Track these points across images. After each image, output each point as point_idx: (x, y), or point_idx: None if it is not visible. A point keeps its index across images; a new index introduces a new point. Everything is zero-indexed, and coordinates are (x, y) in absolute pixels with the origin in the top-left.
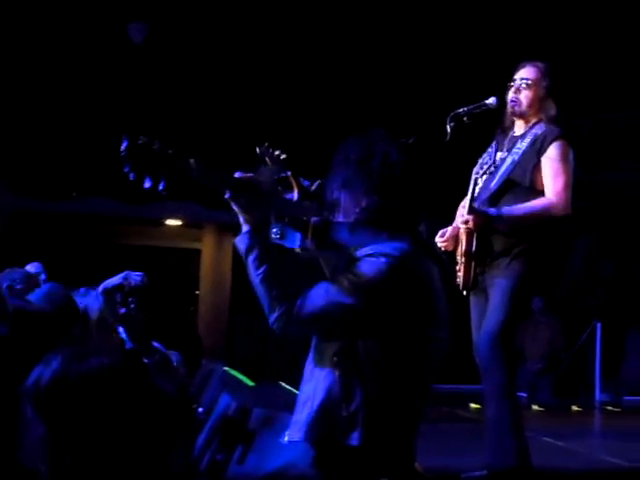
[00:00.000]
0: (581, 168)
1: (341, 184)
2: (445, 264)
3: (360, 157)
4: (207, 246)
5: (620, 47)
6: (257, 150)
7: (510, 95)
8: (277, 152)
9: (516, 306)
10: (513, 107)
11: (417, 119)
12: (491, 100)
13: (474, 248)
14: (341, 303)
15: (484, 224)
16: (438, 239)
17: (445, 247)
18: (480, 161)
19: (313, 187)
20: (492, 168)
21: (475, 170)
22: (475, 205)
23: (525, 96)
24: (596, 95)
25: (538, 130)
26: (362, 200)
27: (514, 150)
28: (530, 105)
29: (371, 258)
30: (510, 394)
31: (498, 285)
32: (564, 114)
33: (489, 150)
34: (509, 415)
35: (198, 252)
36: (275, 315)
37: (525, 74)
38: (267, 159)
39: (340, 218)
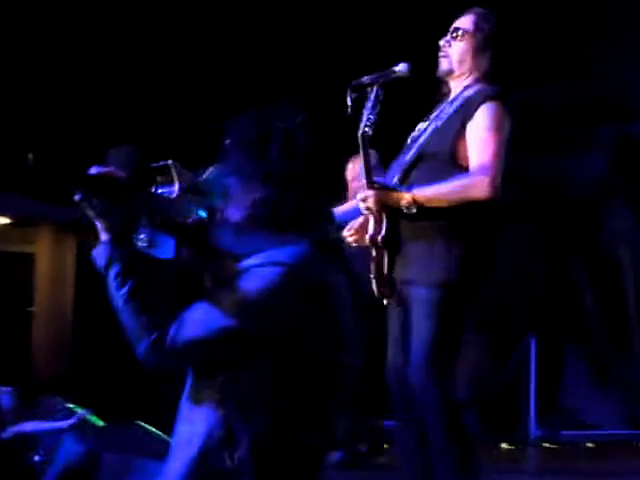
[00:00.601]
0: (514, 149)
1: (232, 170)
2: (356, 274)
3: (255, 137)
4: (42, 250)
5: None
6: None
7: (440, 51)
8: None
9: (448, 318)
10: (441, 65)
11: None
12: (401, 67)
13: (383, 232)
14: (223, 327)
15: (389, 202)
16: (345, 232)
17: (355, 240)
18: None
19: (201, 178)
20: (411, 139)
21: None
22: (376, 179)
23: (456, 50)
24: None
25: (470, 92)
26: (255, 191)
27: (439, 117)
28: (461, 60)
29: (261, 269)
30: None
31: (416, 293)
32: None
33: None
34: (455, 446)
35: (31, 257)
36: (144, 345)
37: (459, 23)
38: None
39: (231, 214)
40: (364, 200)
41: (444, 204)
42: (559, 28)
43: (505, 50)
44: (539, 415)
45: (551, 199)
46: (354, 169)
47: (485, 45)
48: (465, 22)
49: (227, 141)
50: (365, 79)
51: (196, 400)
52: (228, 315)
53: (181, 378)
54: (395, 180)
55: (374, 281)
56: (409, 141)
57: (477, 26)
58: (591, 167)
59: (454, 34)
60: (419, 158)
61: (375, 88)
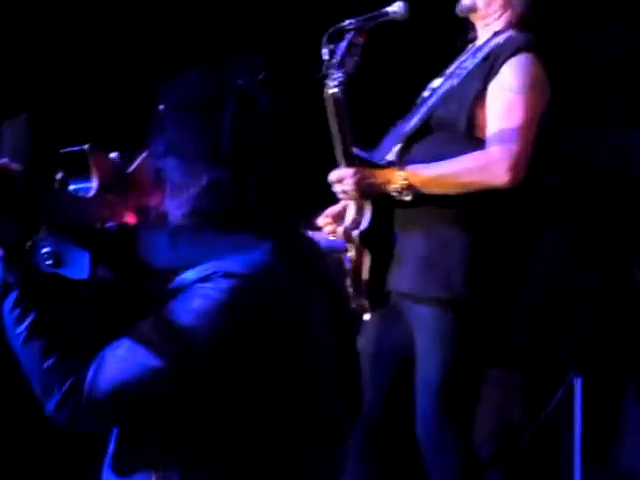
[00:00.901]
0: (558, 115)
1: (169, 148)
2: (337, 289)
3: (201, 100)
4: None
5: None
6: None
7: None
8: None
9: (462, 350)
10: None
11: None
12: (396, 6)
13: (364, 224)
14: (156, 367)
15: (374, 185)
16: (320, 220)
17: (332, 232)
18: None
19: (130, 168)
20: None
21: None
22: (358, 152)
23: None
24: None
25: (500, 40)
26: (201, 175)
27: (457, 72)
28: None
29: (206, 285)
30: None
31: (416, 313)
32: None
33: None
34: None
35: None
36: (54, 399)
37: None
38: None
39: (169, 210)
40: (339, 181)
41: (450, 190)
42: None
43: None
44: (584, 478)
45: (608, 187)
46: None
47: None
48: None
49: (161, 107)
50: (347, 23)
51: (122, 470)
52: (162, 350)
53: (103, 440)
54: (391, 156)
55: (350, 290)
56: (417, 104)
57: None
58: None
59: None
60: (425, 126)
61: (351, 33)
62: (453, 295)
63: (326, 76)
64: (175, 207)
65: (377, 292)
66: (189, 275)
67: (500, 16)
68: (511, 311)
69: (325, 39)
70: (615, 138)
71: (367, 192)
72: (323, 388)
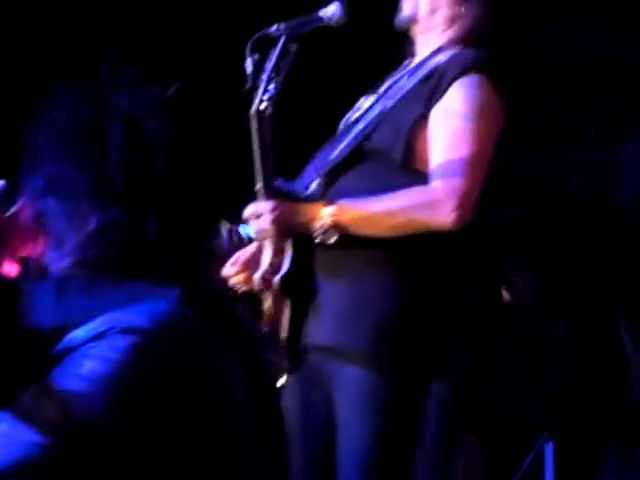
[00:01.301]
0: (520, 134)
1: (47, 186)
2: (255, 339)
3: (77, 131)
4: None
5: None
6: None
7: None
8: None
9: (394, 417)
10: (402, 8)
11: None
12: (331, 9)
13: (284, 269)
14: (37, 449)
15: (295, 223)
16: (228, 268)
17: (243, 281)
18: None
19: (9, 212)
20: (345, 125)
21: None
22: (279, 183)
23: None
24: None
25: (443, 57)
26: (88, 217)
27: (390, 92)
28: (433, 8)
29: (98, 344)
30: None
31: (342, 373)
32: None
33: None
34: None
35: None
36: None
37: None
38: None
39: (51, 260)
40: (257, 217)
41: (383, 231)
42: None
43: None
44: None
45: (583, 217)
46: None
47: None
48: None
49: (36, 137)
50: (275, 29)
51: None
52: (47, 428)
53: None
54: (313, 187)
55: (267, 347)
56: (342, 127)
57: None
58: None
59: None
60: (353, 155)
61: (282, 39)
62: (382, 349)
63: (252, 90)
64: (58, 259)
65: (297, 349)
66: (79, 334)
67: (445, 30)
68: (471, 362)
69: (249, 48)
70: (590, 157)
71: (287, 231)
72: (240, 454)
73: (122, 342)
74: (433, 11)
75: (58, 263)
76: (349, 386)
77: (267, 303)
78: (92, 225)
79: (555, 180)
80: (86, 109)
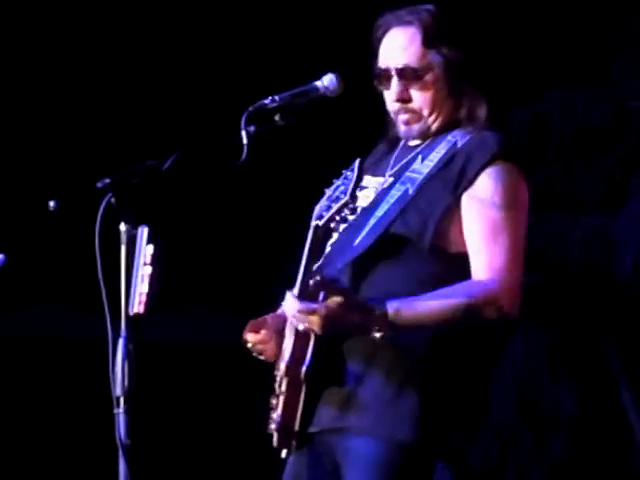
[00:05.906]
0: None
1: None
2: None
3: None
4: None
5: None
6: None
7: (391, 104)
8: None
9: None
10: (407, 131)
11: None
12: (327, 80)
13: (308, 360)
14: None
15: (351, 326)
16: (249, 336)
17: (262, 352)
18: (328, 194)
19: None
20: (356, 205)
21: (317, 211)
22: (328, 274)
23: (418, 98)
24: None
25: (458, 137)
26: None
27: (408, 174)
28: (432, 110)
29: None
30: None
31: (354, 448)
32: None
33: (348, 172)
34: None
35: None
36: None
37: (401, 56)
38: None
39: None
40: (309, 313)
41: (433, 325)
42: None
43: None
44: None
45: (586, 284)
46: None
47: (463, 70)
48: (413, 48)
49: None
50: (270, 101)
51: None
52: None
53: None
54: (342, 279)
55: (275, 426)
56: (338, 204)
57: (445, 56)
58: None
59: (408, 77)
60: (382, 243)
61: (356, 171)
62: (408, 436)
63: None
64: None
65: (306, 433)
66: None
67: (444, 114)
68: (475, 437)
69: (244, 120)
70: (592, 222)
71: (334, 330)
72: None
73: None
74: (434, 110)
75: None
76: (357, 458)
77: (283, 386)
78: None
79: (558, 245)
80: None
